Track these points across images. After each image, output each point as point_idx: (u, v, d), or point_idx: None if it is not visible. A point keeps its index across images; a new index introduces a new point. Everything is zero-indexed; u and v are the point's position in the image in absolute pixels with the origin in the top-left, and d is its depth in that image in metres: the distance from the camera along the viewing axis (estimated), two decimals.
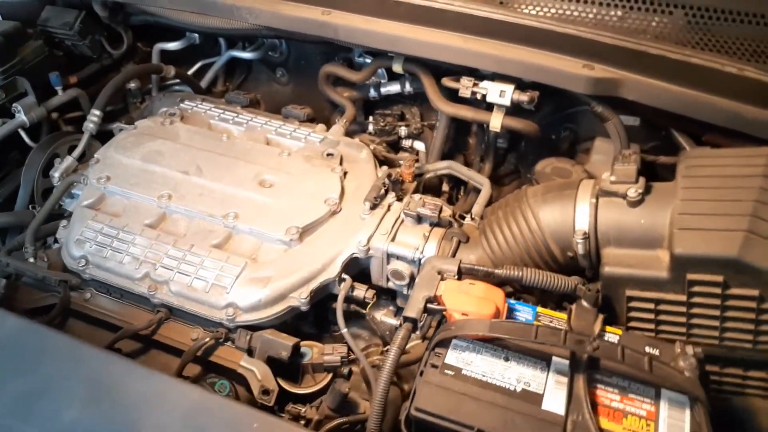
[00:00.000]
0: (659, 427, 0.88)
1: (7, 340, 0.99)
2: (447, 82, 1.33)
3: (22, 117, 1.51)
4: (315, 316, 1.30)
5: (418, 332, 1.03)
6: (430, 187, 1.62)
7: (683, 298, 0.98)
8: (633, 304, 1.04)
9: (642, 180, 1.05)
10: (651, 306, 1.02)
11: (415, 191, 1.45)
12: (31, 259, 1.32)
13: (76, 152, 1.49)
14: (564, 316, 1.04)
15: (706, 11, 1.09)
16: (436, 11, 1.17)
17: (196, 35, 1.85)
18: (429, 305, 1.01)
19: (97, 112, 1.54)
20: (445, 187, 1.62)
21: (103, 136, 1.57)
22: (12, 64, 1.51)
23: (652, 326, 1.04)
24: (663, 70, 1.08)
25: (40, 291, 1.31)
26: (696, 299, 0.98)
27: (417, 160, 1.47)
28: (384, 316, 1.30)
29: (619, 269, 1.03)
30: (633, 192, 1.03)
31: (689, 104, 1.09)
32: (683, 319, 1.01)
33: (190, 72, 1.96)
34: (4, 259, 1.31)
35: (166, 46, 1.85)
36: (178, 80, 1.88)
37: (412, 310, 1.00)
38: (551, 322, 1.03)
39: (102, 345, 1.17)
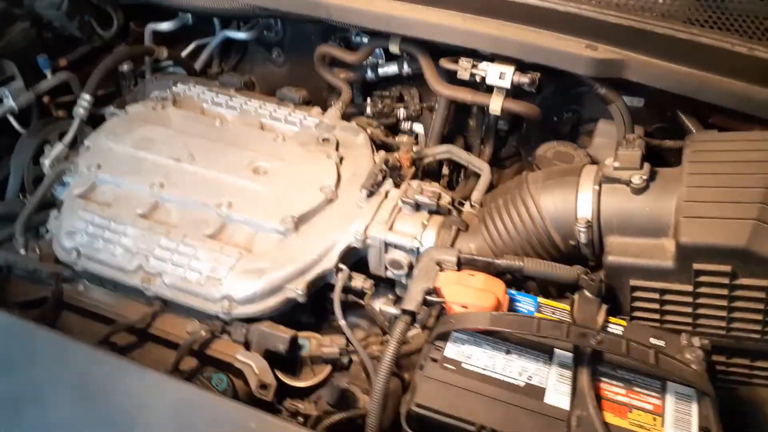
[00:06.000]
0: (666, 421, 0.86)
1: None
2: (445, 63, 1.29)
3: (10, 102, 1.48)
4: (313, 306, 1.28)
5: (416, 324, 1.00)
6: (429, 172, 1.58)
7: (689, 288, 0.96)
8: (637, 294, 1.01)
9: (647, 166, 1.01)
10: (656, 296, 1.00)
11: (414, 177, 1.41)
12: (22, 251, 1.30)
13: (67, 138, 1.45)
14: (566, 306, 1.01)
15: None
16: None
17: (189, 15, 1.79)
18: (428, 297, 0.98)
19: (88, 97, 1.49)
20: (445, 171, 1.58)
21: (95, 120, 1.53)
22: None
23: (657, 316, 1.02)
24: (670, 51, 1.04)
25: (32, 283, 1.29)
26: (703, 289, 0.95)
27: (415, 144, 1.43)
28: (383, 305, 1.27)
29: (623, 258, 1.00)
30: (637, 179, 1.00)
31: (696, 86, 1.05)
32: (689, 310, 0.98)
33: (184, 53, 1.91)
34: None
35: (158, 26, 1.80)
36: (171, 62, 1.83)
37: (411, 302, 0.98)
38: (553, 313, 1.00)
39: (96, 339, 1.16)
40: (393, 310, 1.26)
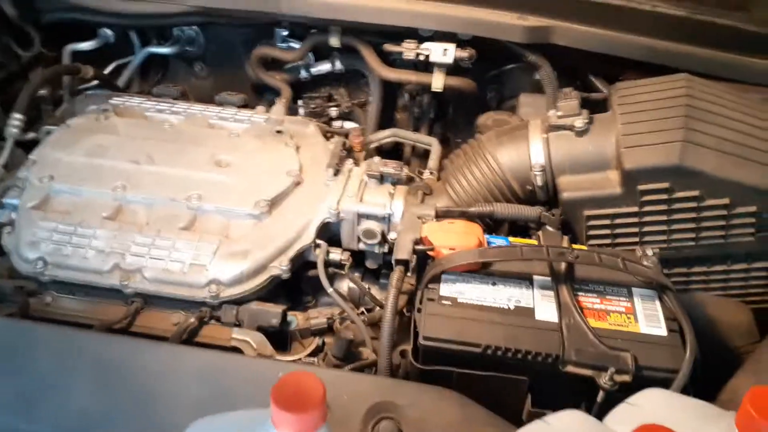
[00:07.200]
0: (638, 318, 0.99)
1: None
2: (389, 47, 1.40)
3: None
4: (288, 289, 1.31)
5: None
6: None
7: (635, 208, 1.11)
8: (592, 222, 1.15)
9: (585, 111, 1.17)
10: (608, 222, 1.14)
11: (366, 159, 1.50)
12: None
13: (2, 159, 1.40)
14: (533, 242, 1.13)
15: None
16: None
17: (110, 34, 1.78)
18: (416, 247, 1.07)
19: (19, 116, 1.44)
20: None
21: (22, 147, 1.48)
22: None
23: (609, 240, 1.17)
24: (587, 15, 1.21)
25: None
26: (647, 208, 1.11)
27: (364, 130, 1.52)
28: (350, 284, 1.33)
29: (576, 193, 1.15)
30: (579, 122, 1.15)
31: (610, 44, 1.23)
32: (636, 229, 1.14)
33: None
34: None
35: (78, 46, 1.76)
36: (90, 84, 1.80)
37: (402, 252, 1.05)
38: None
39: None
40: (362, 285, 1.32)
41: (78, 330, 0.95)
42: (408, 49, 1.36)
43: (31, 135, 1.51)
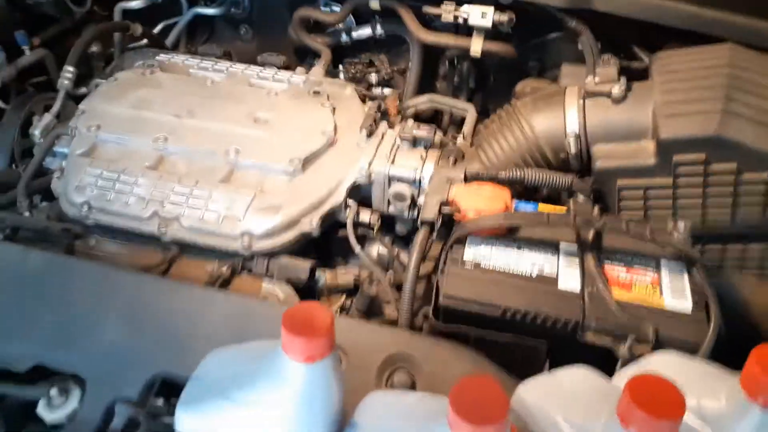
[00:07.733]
0: (664, 291, 0.98)
1: (31, 274, 0.99)
2: (428, 9, 1.39)
3: None
4: (318, 249, 1.34)
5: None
6: None
7: (670, 181, 1.09)
8: (624, 193, 1.14)
9: (623, 78, 1.15)
10: (641, 193, 1.13)
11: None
12: (26, 213, 1.30)
13: (54, 109, 1.46)
14: (563, 209, 1.12)
15: None
16: None
17: None
18: (443, 208, 1.07)
19: (71, 68, 1.51)
20: None
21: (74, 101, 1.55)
22: None
23: (641, 213, 1.15)
24: None
25: (41, 243, 1.30)
26: (682, 180, 1.08)
27: (401, 95, 1.52)
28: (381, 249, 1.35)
29: (610, 162, 1.13)
30: (617, 89, 1.13)
31: (654, 10, 1.20)
32: (670, 202, 1.12)
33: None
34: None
35: (128, 4, 1.82)
36: (140, 43, 1.86)
37: (428, 213, 1.07)
38: None
39: None
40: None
41: (116, 269, 0.99)
42: (446, 12, 1.35)
43: (82, 90, 1.57)
